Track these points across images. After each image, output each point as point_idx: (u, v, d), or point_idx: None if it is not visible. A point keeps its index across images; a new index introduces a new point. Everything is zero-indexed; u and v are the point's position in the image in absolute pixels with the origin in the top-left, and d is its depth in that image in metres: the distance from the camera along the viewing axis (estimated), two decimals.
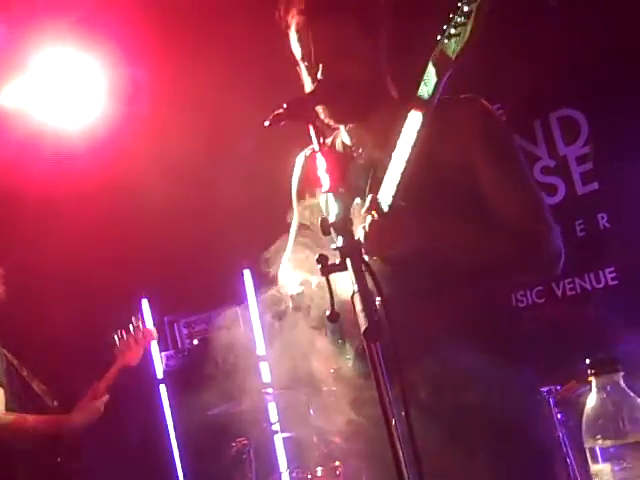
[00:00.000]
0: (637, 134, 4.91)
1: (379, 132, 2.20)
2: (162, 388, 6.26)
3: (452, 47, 1.84)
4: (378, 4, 2.29)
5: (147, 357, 6.31)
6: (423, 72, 1.97)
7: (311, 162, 2.38)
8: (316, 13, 2.18)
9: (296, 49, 2.25)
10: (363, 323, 1.38)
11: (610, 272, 5.17)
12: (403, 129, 2.01)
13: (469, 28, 1.80)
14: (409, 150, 1.96)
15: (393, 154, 2.02)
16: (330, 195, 1.75)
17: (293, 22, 2.23)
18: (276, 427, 5.29)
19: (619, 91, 4.89)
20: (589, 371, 1.38)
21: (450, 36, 1.85)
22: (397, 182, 1.98)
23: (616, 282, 5.16)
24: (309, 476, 4.56)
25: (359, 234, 1.97)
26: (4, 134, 4.82)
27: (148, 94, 5.31)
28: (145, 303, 6.30)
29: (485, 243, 2.04)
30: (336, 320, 1.60)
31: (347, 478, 4.50)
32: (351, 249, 1.55)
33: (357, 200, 2.18)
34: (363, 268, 1.50)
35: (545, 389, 4.14)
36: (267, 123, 2.07)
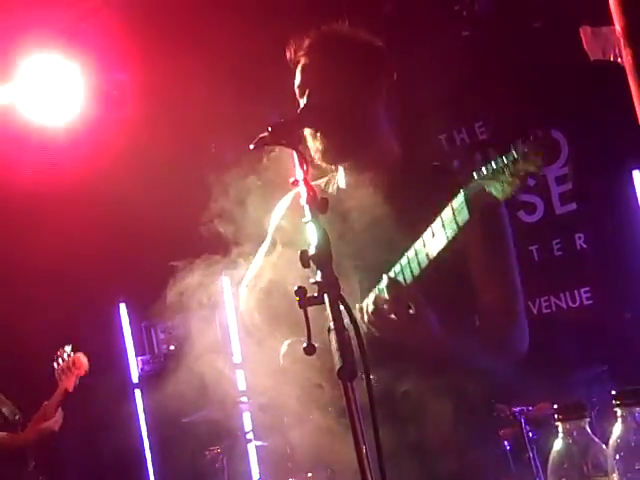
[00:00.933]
0: (617, 157, 4.98)
1: (379, 187, 2.24)
2: (137, 393, 6.25)
3: (499, 191, 1.79)
4: (381, 56, 2.33)
5: (123, 361, 6.31)
6: (452, 198, 1.92)
7: (297, 205, 2.45)
8: (317, 49, 2.27)
9: (297, 84, 2.30)
10: (338, 362, 1.41)
11: (585, 292, 5.24)
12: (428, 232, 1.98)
13: (513, 188, 1.76)
14: (435, 253, 1.94)
15: (416, 247, 2.00)
16: (311, 225, 1.77)
17: (301, 61, 2.29)
18: (250, 436, 5.31)
19: (601, 114, 4.95)
20: (556, 416, 1.41)
21: (490, 180, 1.80)
22: (417, 274, 1.98)
23: (591, 302, 5.23)
24: None
25: (369, 303, 2.01)
26: None
27: (129, 97, 5.33)
28: (123, 308, 6.29)
29: (466, 352, 2.12)
30: (312, 353, 1.62)
31: None
32: (329, 284, 1.57)
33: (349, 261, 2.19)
34: (340, 305, 1.53)
35: (517, 409, 4.19)
36: (252, 146, 2.10)
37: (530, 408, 4.25)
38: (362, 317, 2.04)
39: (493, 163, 1.82)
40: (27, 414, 4.85)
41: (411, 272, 2.01)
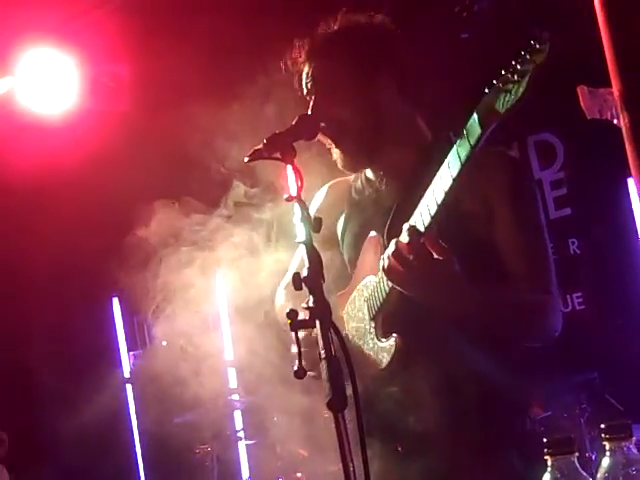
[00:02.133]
0: (612, 163, 4.96)
1: (407, 170, 2.21)
2: (128, 388, 6.25)
3: (501, 102, 1.75)
4: (387, 40, 2.29)
5: (115, 356, 6.31)
6: (465, 122, 1.87)
7: (332, 192, 2.42)
8: (316, 56, 2.25)
9: (302, 92, 2.29)
10: (328, 394, 1.41)
11: (577, 297, 5.25)
12: (443, 165, 1.91)
13: (523, 86, 1.71)
14: (450, 182, 1.87)
15: (432, 186, 1.94)
16: (302, 246, 1.76)
17: (303, 70, 2.28)
18: (240, 434, 5.31)
19: (598, 120, 4.94)
20: (545, 450, 1.41)
21: (499, 90, 1.76)
22: (434, 212, 1.91)
23: (583, 307, 5.25)
24: None
25: (389, 252, 1.94)
26: None
27: (126, 89, 5.32)
28: (116, 302, 6.28)
29: (496, 309, 2.05)
30: (302, 377, 1.61)
31: None
32: (321, 311, 1.56)
33: (372, 233, 2.18)
34: (332, 332, 1.52)
35: None
36: (246, 159, 2.09)
37: None
38: (384, 267, 1.96)
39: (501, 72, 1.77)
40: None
41: (429, 213, 1.92)
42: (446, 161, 1.89)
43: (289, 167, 1.98)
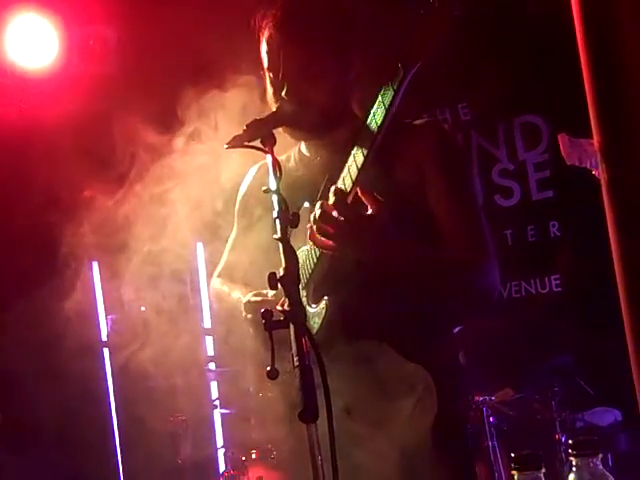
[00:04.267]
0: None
1: (339, 147, 2.19)
2: (105, 352, 6.25)
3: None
4: (353, 29, 2.25)
5: (93, 319, 6.29)
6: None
7: (261, 177, 2.37)
8: (290, 32, 2.15)
9: (264, 58, 2.22)
10: (300, 404, 1.41)
11: (555, 279, 5.28)
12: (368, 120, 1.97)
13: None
14: (375, 132, 1.92)
15: (356, 144, 1.98)
16: (280, 244, 1.75)
17: (266, 32, 2.20)
18: (216, 403, 5.34)
19: (584, 102, 4.92)
20: (512, 465, 1.42)
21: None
22: (360, 165, 1.95)
23: (560, 289, 5.28)
24: (243, 458, 4.62)
25: (316, 214, 1.96)
26: None
27: (112, 51, 5.26)
28: (95, 266, 6.24)
29: (428, 264, 2.06)
30: (275, 377, 1.61)
31: (281, 462, 4.57)
32: (296, 316, 1.55)
33: (306, 204, 2.16)
34: (306, 337, 1.52)
35: (480, 399, 4.24)
36: (226, 146, 2.08)
37: (492, 398, 4.31)
38: (311, 231, 1.98)
39: None
40: None
41: (356, 166, 1.96)
42: (371, 115, 1.94)
43: (269, 157, 1.98)
